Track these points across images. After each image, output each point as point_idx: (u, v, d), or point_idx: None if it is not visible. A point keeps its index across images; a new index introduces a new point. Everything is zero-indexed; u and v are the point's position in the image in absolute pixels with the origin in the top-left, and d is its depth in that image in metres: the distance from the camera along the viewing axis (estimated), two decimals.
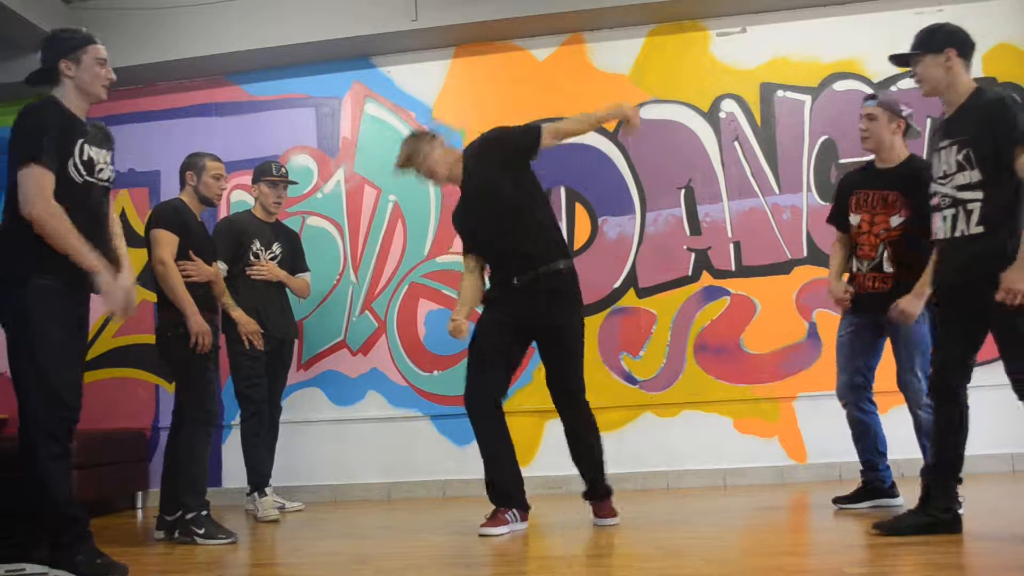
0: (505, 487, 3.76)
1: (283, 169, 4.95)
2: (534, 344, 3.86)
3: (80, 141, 3.06)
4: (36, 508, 2.98)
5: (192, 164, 4.13)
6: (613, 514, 3.75)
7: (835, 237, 4.05)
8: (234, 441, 4.96)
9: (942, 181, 3.11)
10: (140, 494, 5.50)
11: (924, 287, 3.50)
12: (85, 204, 3.07)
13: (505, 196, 3.72)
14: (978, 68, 5.19)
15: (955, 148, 3.05)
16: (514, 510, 3.74)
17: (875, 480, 3.91)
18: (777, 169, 5.33)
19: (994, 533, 3.07)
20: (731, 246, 5.32)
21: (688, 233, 5.36)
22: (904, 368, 3.75)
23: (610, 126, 5.32)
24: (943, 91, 3.13)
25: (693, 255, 5.33)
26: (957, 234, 3.04)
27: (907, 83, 5.19)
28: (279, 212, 4.99)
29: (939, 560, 2.69)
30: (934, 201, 3.16)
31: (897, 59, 3.28)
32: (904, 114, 3.81)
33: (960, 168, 3.02)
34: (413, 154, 3.85)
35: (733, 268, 5.30)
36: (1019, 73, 5.12)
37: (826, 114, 5.31)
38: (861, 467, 3.96)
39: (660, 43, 5.50)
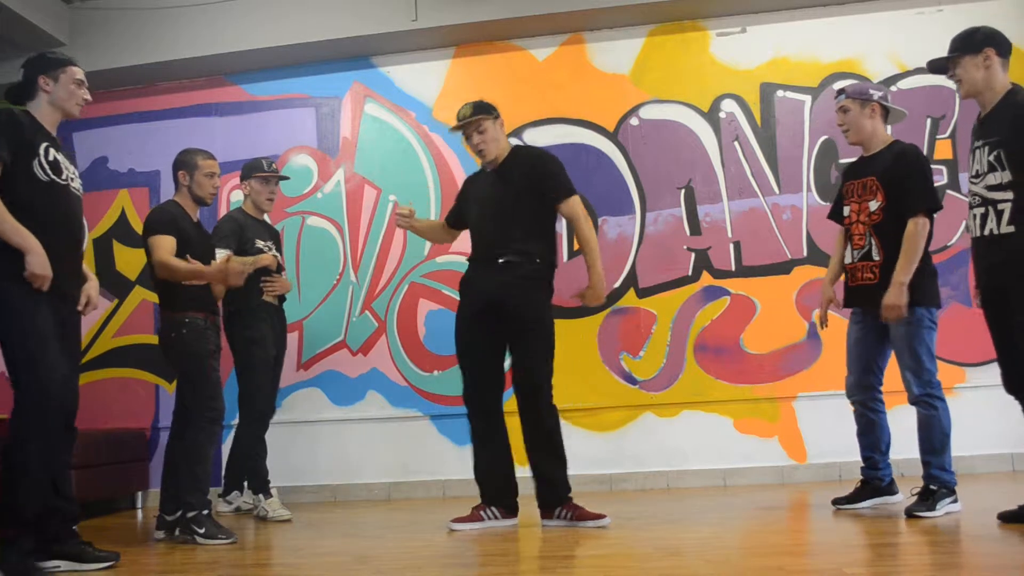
0: (487, 484, 3.85)
1: (274, 164, 4.89)
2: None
3: (45, 144, 3.16)
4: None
5: (184, 163, 4.06)
6: (601, 514, 3.74)
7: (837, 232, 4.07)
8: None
9: (975, 180, 3.20)
10: (140, 494, 5.50)
11: (901, 277, 3.56)
12: (57, 206, 3.16)
13: (520, 207, 3.84)
14: None
15: (987, 148, 3.13)
16: (493, 508, 3.82)
17: (874, 478, 3.92)
18: (777, 169, 5.34)
19: (994, 533, 3.07)
20: (731, 246, 5.32)
21: (688, 233, 5.36)
22: (900, 365, 3.75)
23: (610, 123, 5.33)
24: (981, 91, 3.21)
25: (693, 255, 5.34)
26: (986, 232, 3.13)
27: (906, 83, 5.22)
28: (271, 209, 4.92)
29: (939, 560, 2.69)
30: (969, 199, 3.26)
31: (935, 65, 3.34)
32: (875, 97, 3.82)
33: (991, 168, 3.10)
34: (481, 119, 3.85)
35: (733, 268, 5.30)
36: (1019, 73, 5.10)
37: (826, 114, 5.30)
38: (862, 464, 3.97)
39: (660, 43, 5.50)
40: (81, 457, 4.80)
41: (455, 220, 4.20)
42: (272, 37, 5.55)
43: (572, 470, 3.85)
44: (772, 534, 3.55)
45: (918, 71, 5.15)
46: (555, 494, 3.79)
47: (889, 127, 3.98)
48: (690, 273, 5.32)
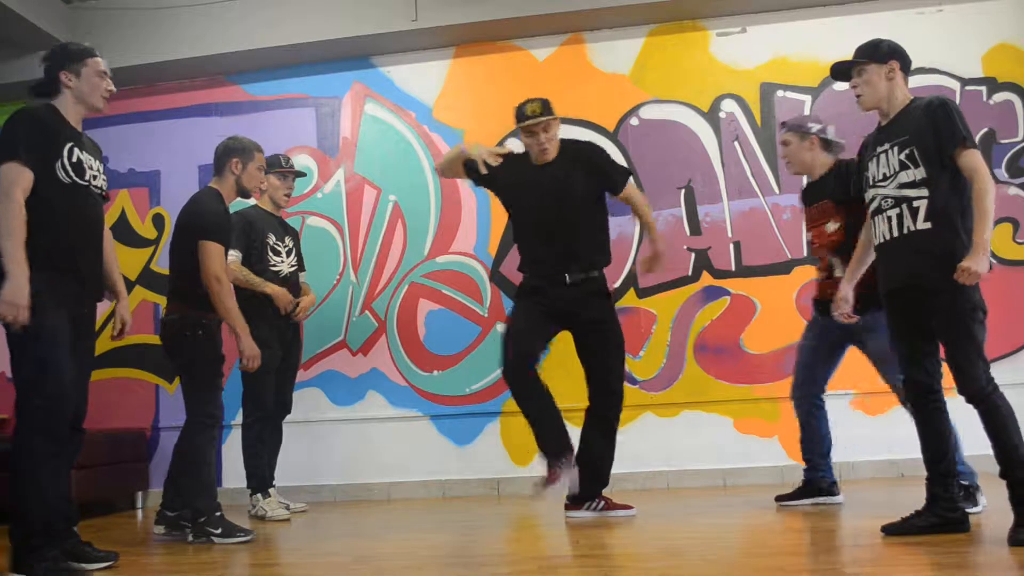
0: (552, 441, 3.85)
1: (291, 161, 4.91)
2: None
3: (70, 144, 3.10)
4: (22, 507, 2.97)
5: (240, 149, 3.87)
6: (628, 505, 3.93)
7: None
8: (234, 441, 4.96)
9: (883, 183, 3.10)
10: (140, 494, 5.50)
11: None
12: (76, 208, 3.12)
13: (580, 201, 3.92)
14: (978, 68, 5.21)
15: (896, 148, 3.07)
16: (562, 458, 3.82)
17: (816, 479, 4.05)
18: (777, 169, 5.33)
19: (994, 533, 3.07)
20: (731, 246, 5.32)
21: (688, 233, 5.36)
22: (888, 380, 3.77)
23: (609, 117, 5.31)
24: (883, 100, 3.16)
25: (693, 255, 5.34)
26: (905, 231, 3.03)
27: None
28: (287, 205, 4.93)
29: (939, 560, 2.69)
30: (874, 205, 3.15)
31: (837, 69, 3.27)
32: (813, 131, 3.94)
33: (903, 167, 3.04)
34: (552, 120, 3.90)
35: (733, 268, 5.30)
36: (1019, 73, 5.13)
37: (826, 114, 5.28)
38: (804, 465, 4.09)
39: (660, 43, 5.51)
40: (81, 457, 4.79)
41: (479, 177, 4.06)
42: (272, 37, 5.56)
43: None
44: (772, 534, 3.55)
45: (917, 71, 5.08)
46: (595, 488, 3.90)
47: (830, 156, 3.99)
48: (690, 273, 5.32)
